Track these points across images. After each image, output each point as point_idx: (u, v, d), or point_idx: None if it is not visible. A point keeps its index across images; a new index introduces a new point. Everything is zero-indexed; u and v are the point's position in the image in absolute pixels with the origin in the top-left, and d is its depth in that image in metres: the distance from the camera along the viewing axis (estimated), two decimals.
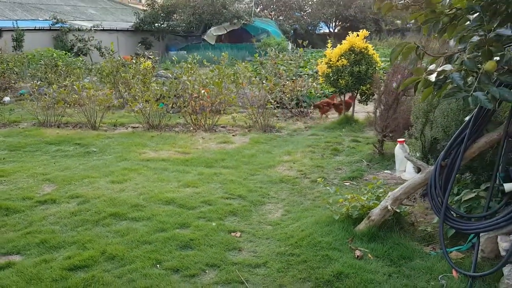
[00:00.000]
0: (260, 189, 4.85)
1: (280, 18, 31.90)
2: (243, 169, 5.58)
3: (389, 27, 30.64)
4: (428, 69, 3.22)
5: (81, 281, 3.06)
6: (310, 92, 9.41)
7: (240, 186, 4.92)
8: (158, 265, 3.25)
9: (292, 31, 29.31)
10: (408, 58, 3.36)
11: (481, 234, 3.02)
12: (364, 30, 8.16)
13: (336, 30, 32.43)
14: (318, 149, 6.49)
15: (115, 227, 3.92)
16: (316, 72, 11.16)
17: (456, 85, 3.08)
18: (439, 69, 3.08)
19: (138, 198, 4.59)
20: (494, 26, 2.95)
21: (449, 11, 3.16)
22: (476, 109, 3.25)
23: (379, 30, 29.18)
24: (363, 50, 7.86)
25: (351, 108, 8.38)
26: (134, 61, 10.15)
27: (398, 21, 29.43)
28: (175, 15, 25.16)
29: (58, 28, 18.94)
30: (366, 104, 8.31)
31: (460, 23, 3.25)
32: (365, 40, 7.99)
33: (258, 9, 32.07)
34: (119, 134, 7.82)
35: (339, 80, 7.84)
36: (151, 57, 11.61)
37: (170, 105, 8.23)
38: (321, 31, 32.86)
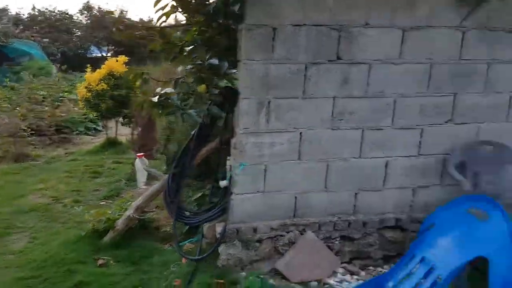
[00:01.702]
0: (5, 221, 4.52)
1: (45, 40, 29.35)
2: None
3: None
4: (156, 91, 3.75)
5: None
6: (73, 117, 9.13)
7: None
8: None
9: (59, 54, 27.36)
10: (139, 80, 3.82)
11: (204, 224, 3.68)
12: (123, 56, 8.48)
13: (109, 54, 31.91)
14: (76, 174, 6.38)
15: None
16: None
17: (175, 104, 3.71)
18: (161, 92, 3.63)
19: None
20: (207, 57, 3.66)
21: (179, 43, 3.73)
22: (199, 125, 3.92)
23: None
24: (122, 75, 8.15)
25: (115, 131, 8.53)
26: None
27: None
28: None
29: None
30: (130, 127, 8.59)
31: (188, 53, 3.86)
32: (125, 65, 8.31)
33: (18, 30, 28.65)
34: None
35: (101, 104, 7.90)
36: None
37: None
38: (93, 54, 31.78)
